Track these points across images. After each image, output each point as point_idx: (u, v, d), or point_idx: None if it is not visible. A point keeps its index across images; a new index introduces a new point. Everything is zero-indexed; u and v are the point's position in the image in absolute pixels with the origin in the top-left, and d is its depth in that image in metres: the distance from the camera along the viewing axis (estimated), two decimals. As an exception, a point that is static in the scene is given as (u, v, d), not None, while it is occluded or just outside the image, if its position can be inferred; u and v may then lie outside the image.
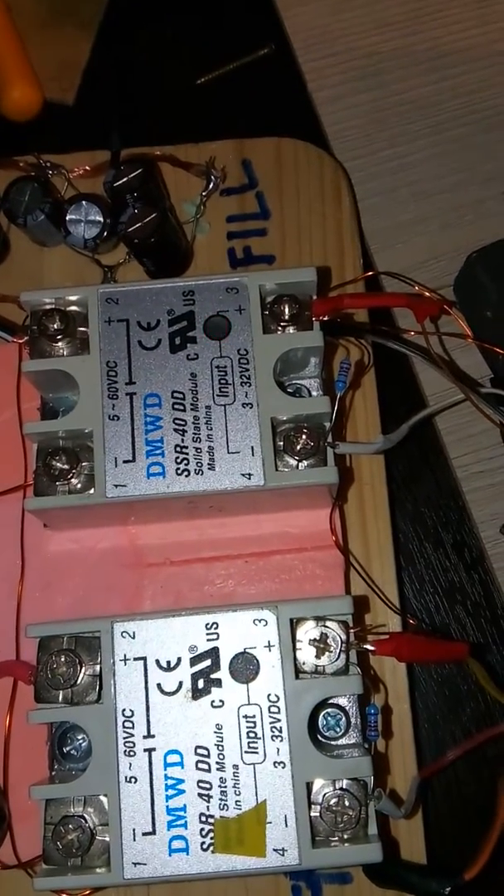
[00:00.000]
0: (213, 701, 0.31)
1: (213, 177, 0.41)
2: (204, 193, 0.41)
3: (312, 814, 0.30)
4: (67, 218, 0.39)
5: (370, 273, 0.40)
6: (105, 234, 0.39)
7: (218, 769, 0.31)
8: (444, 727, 0.39)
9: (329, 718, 0.33)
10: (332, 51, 0.46)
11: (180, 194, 0.42)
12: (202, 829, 0.30)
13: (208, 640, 0.32)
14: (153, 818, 0.30)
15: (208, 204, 0.41)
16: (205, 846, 0.30)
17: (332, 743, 0.33)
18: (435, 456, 0.41)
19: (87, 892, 0.34)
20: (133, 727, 0.31)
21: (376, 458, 0.39)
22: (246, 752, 0.31)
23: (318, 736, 0.33)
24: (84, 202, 0.39)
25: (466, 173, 0.44)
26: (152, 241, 0.38)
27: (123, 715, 0.31)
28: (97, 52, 0.47)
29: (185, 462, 0.33)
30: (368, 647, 0.32)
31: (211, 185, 0.41)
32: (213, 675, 0.31)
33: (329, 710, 0.33)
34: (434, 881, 0.32)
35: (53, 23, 0.47)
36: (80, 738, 0.33)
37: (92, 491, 0.33)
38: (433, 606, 0.40)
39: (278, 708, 0.31)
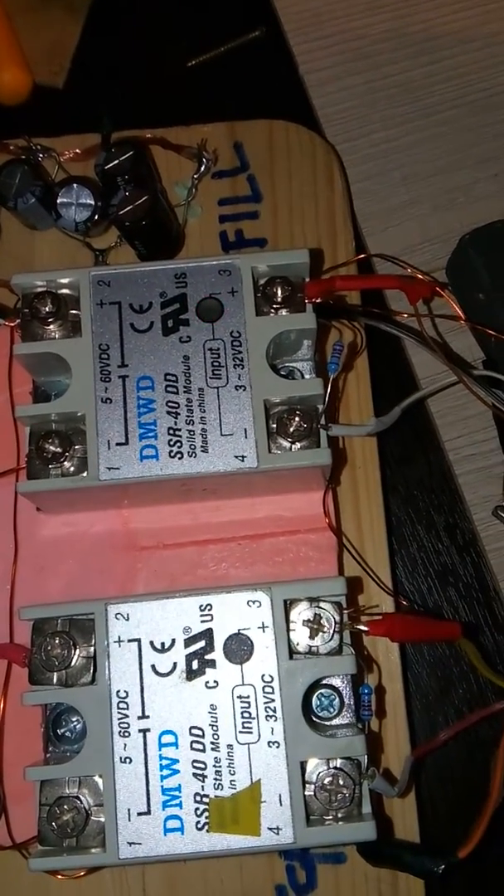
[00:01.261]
0: (207, 682, 0.31)
1: (204, 159, 0.40)
2: (196, 176, 0.41)
3: (307, 793, 0.31)
4: (58, 201, 0.39)
5: (363, 256, 0.40)
6: (96, 216, 0.39)
7: (212, 749, 0.31)
8: (437, 708, 0.39)
9: (323, 699, 0.33)
10: (323, 33, 0.46)
11: (172, 177, 0.42)
12: (197, 809, 0.30)
13: (202, 621, 0.32)
14: (148, 798, 0.30)
15: (200, 187, 0.41)
16: (200, 825, 0.30)
17: (326, 723, 0.33)
18: (428, 439, 0.41)
19: (83, 874, 0.34)
20: (127, 708, 0.31)
21: (369, 441, 0.39)
22: (240, 731, 0.31)
23: (312, 716, 0.33)
24: (75, 185, 0.39)
25: (458, 156, 0.44)
26: (143, 224, 0.37)
27: (118, 696, 0.31)
28: (87, 36, 0.46)
29: (179, 444, 0.33)
30: (362, 627, 0.32)
31: (203, 168, 0.41)
32: (208, 656, 0.31)
33: (322, 690, 0.33)
34: (428, 859, 0.32)
35: (43, 6, 0.47)
36: (74, 720, 0.33)
37: (85, 474, 0.33)
38: (426, 588, 0.40)
39: (272, 688, 0.31)
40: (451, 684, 0.39)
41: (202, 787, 0.30)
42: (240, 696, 0.31)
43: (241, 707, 0.31)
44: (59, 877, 0.33)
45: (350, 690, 0.33)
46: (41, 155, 0.41)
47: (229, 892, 0.36)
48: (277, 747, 0.31)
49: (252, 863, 0.36)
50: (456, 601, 0.40)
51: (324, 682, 0.33)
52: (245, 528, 0.36)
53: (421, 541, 0.41)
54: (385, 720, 0.36)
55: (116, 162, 0.38)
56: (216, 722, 0.31)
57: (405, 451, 0.42)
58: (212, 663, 0.31)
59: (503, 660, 0.39)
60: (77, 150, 0.41)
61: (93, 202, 0.39)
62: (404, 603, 0.37)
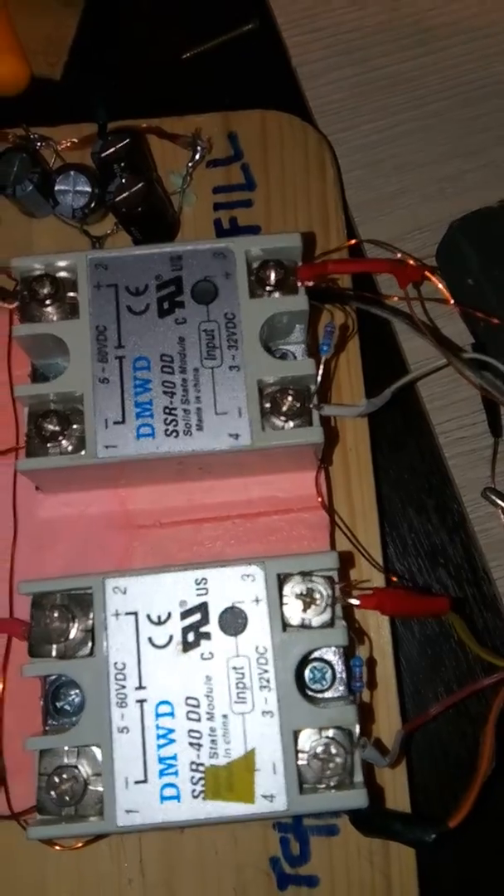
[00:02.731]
0: (202, 653, 0.32)
1: (199, 147, 0.41)
2: (190, 164, 0.41)
3: (300, 762, 0.31)
4: (56, 188, 0.39)
5: (354, 241, 0.41)
6: (93, 203, 0.39)
7: (208, 719, 0.31)
8: (428, 685, 0.40)
9: (316, 672, 0.34)
10: (316, 26, 0.47)
11: (167, 166, 0.42)
12: (193, 777, 0.31)
13: (198, 595, 0.33)
14: (145, 767, 0.31)
15: (195, 176, 0.42)
16: (195, 793, 0.31)
17: (319, 696, 0.34)
18: (418, 423, 0.42)
19: (80, 845, 0.35)
20: (125, 679, 0.32)
21: (361, 424, 0.40)
22: (235, 702, 0.32)
23: (306, 689, 0.34)
24: (72, 172, 0.39)
25: (449, 146, 0.45)
26: (139, 211, 0.38)
27: (115, 668, 0.32)
28: (84, 28, 0.47)
29: (174, 423, 0.34)
30: (353, 601, 0.33)
31: (197, 156, 0.41)
32: (203, 629, 0.32)
33: (315, 663, 0.34)
34: (419, 829, 0.33)
35: (40, 1, 0.47)
36: (73, 693, 0.34)
37: (83, 452, 0.34)
38: (416, 568, 0.41)
39: (266, 659, 0.32)
40: (441, 661, 0.40)
41: (198, 755, 0.31)
42: (234, 668, 0.32)
43: (236, 678, 0.32)
44: (57, 847, 0.34)
45: (342, 664, 0.34)
46: (39, 144, 0.42)
47: (224, 863, 0.36)
48: (271, 717, 0.31)
49: (246, 835, 0.36)
50: (446, 580, 0.41)
51: (317, 655, 0.34)
52: (239, 508, 0.37)
53: (412, 522, 0.42)
54: (376, 694, 0.37)
55: (113, 150, 0.39)
56: (211, 692, 0.32)
57: (397, 435, 0.42)
58: (207, 635, 0.32)
59: (492, 637, 0.40)
60: (74, 140, 0.42)
61: (90, 189, 0.39)
62: (394, 579, 0.37)
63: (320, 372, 0.34)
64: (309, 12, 0.47)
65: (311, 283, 0.35)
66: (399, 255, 0.38)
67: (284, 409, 0.34)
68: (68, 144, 0.42)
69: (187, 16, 0.48)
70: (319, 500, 0.36)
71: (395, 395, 0.38)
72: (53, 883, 0.36)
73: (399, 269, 0.36)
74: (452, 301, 0.38)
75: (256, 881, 0.36)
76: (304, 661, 0.33)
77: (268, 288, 0.35)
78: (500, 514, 0.40)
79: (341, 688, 0.34)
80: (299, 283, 0.35)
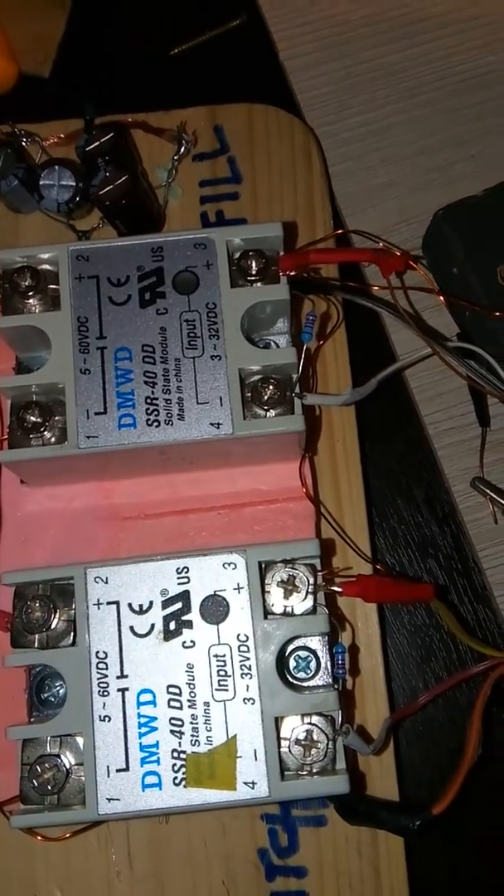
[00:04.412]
0: (184, 642, 0.32)
1: (184, 140, 0.41)
2: (176, 157, 0.42)
3: (282, 749, 0.31)
4: (41, 182, 0.40)
5: (339, 231, 0.41)
6: (78, 197, 0.40)
7: (189, 706, 0.31)
8: (418, 675, 0.40)
9: (299, 660, 0.34)
10: (303, 20, 0.47)
11: (154, 160, 0.43)
12: (174, 765, 0.31)
13: (179, 583, 0.33)
14: (127, 755, 0.31)
15: (181, 169, 0.42)
16: (177, 781, 0.31)
17: (303, 684, 0.33)
18: (407, 414, 0.42)
19: (68, 836, 0.35)
20: (107, 668, 0.32)
21: (348, 414, 0.40)
22: (216, 689, 0.32)
23: (290, 678, 0.33)
24: (57, 166, 0.40)
25: (436, 137, 0.45)
26: (123, 203, 0.38)
27: (97, 657, 0.32)
28: (72, 26, 0.47)
29: (156, 413, 0.34)
30: (335, 588, 0.33)
31: (182, 149, 0.41)
32: (185, 617, 0.32)
33: (299, 652, 0.34)
34: (404, 816, 0.33)
35: (29, 0, 0.48)
36: (57, 684, 0.34)
37: (65, 443, 0.34)
38: (406, 560, 0.41)
39: (247, 647, 0.32)
40: (432, 652, 0.40)
41: (179, 743, 0.31)
42: (216, 655, 0.32)
43: (218, 665, 0.32)
44: (39, 838, 0.34)
45: (326, 653, 0.33)
46: (25, 140, 0.42)
47: (213, 855, 0.36)
48: (252, 704, 0.31)
49: (235, 826, 0.36)
50: (436, 571, 0.41)
51: (301, 644, 0.34)
52: (225, 499, 0.37)
53: (401, 513, 0.41)
54: (364, 684, 0.37)
55: (97, 143, 0.39)
56: (193, 680, 0.32)
57: (386, 427, 0.42)
58: (189, 624, 0.32)
59: (482, 627, 0.40)
60: (61, 135, 0.42)
61: (74, 183, 0.40)
62: (379, 567, 0.37)
63: (302, 359, 0.34)
64: (296, 7, 0.47)
65: (292, 273, 0.35)
66: (381, 244, 0.38)
67: (266, 397, 0.34)
68: (55, 140, 0.42)
69: (176, 12, 0.48)
70: (304, 489, 0.36)
71: (383, 387, 0.38)
72: (42, 875, 0.36)
73: (382, 258, 0.36)
74: (437, 290, 0.38)
75: (245, 872, 0.36)
76: (288, 649, 0.33)
77: (250, 278, 0.35)
78: (489, 504, 0.40)
79: (325, 675, 0.33)
80: (281, 273, 0.35)
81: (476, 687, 0.38)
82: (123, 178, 0.38)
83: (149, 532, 0.37)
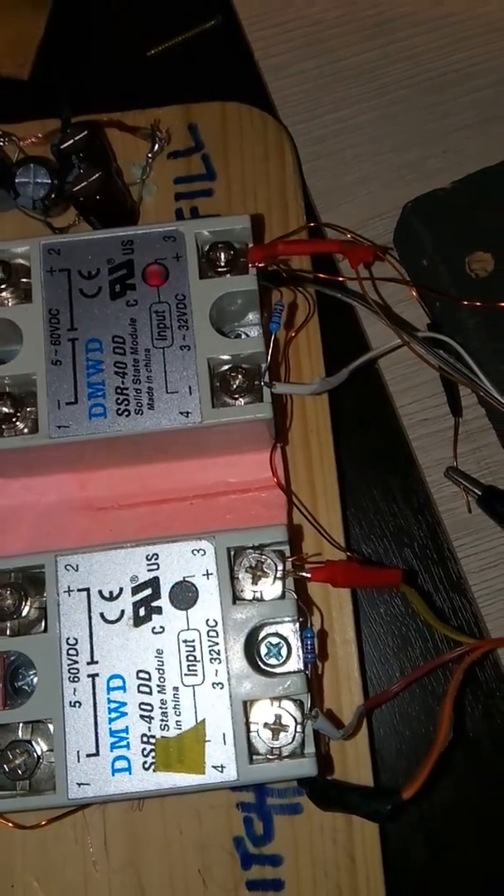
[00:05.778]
0: (153, 627, 0.32)
1: (157, 138, 0.42)
2: (150, 154, 0.42)
3: (251, 733, 0.32)
4: (16, 180, 0.40)
5: (311, 224, 0.41)
6: (53, 194, 0.40)
7: (159, 692, 0.32)
8: (394, 665, 0.40)
9: (271, 647, 0.34)
10: (277, 20, 0.47)
11: (129, 157, 0.43)
12: (144, 749, 0.31)
13: (149, 570, 0.33)
14: (97, 740, 0.31)
15: (156, 166, 0.43)
16: (146, 765, 0.31)
17: (274, 671, 0.34)
18: (382, 406, 0.43)
19: (44, 823, 0.35)
20: (77, 654, 0.32)
21: (322, 405, 0.40)
22: (185, 674, 0.32)
23: (261, 664, 0.34)
24: (32, 164, 0.40)
25: (408, 134, 0.45)
26: (97, 199, 0.39)
27: (68, 643, 0.32)
28: (51, 29, 0.48)
29: (126, 403, 0.34)
30: (304, 574, 0.33)
31: (156, 147, 0.42)
32: (154, 603, 0.33)
33: (271, 638, 0.34)
34: (374, 801, 0.33)
35: (9, 3, 0.49)
36: (31, 673, 0.34)
37: (37, 433, 0.34)
38: (382, 550, 0.41)
39: (216, 632, 0.32)
40: (408, 642, 0.40)
41: (149, 728, 0.31)
42: (185, 641, 0.32)
43: (187, 651, 0.32)
44: (11, 825, 0.34)
45: (297, 638, 0.34)
46: (3, 140, 0.43)
47: (188, 844, 0.36)
48: (221, 688, 0.32)
49: (210, 815, 0.37)
50: (411, 561, 0.41)
51: (272, 631, 0.34)
52: (197, 489, 0.37)
53: (377, 503, 0.42)
54: (338, 671, 0.37)
55: (71, 141, 0.40)
56: (162, 665, 0.32)
57: (361, 418, 0.43)
58: (158, 610, 0.32)
59: (457, 616, 0.40)
60: (38, 135, 0.43)
61: (49, 181, 0.40)
62: (350, 555, 0.38)
63: (269, 349, 0.34)
64: (271, 7, 0.48)
65: (261, 264, 0.36)
66: (348, 236, 0.38)
67: (235, 386, 0.34)
68: (32, 140, 0.43)
69: (152, 14, 0.49)
70: (275, 479, 0.36)
71: (358, 378, 0.38)
72: (20, 865, 0.36)
73: (349, 249, 0.37)
74: (407, 280, 0.38)
75: (221, 861, 0.36)
76: (258, 635, 0.33)
77: (219, 269, 0.36)
78: (463, 494, 0.40)
79: (297, 662, 0.34)
80: (250, 265, 0.35)
81: (450, 674, 0.38)
82: (97, 175, 0.39)
83: (122, 522, 0.37)
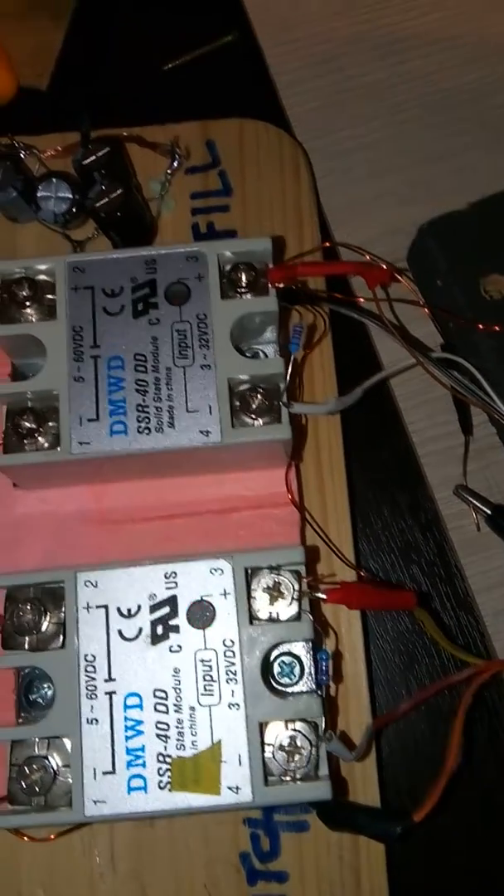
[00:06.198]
0: (171, 646, 0.33)
1: (177, 155, 0.42)
2: (169, 171, 0.42)
3: (266, 754, 0.32)
4: (38, 194, 0.40)
5: (326, 244, 0.41)
6: (74, 209, 0.40)
7: (175, 711, 0.32)
8: (401, 683, 0.40)
9: (284, 666, 0.34)
10: (293, 37, 0.48)
11: (148, 173, 0.43)
12: (160, 769, 0.32)
13: (167, 588, 0.33)
14: (113, 758, 0.32)
15: (174, 182, 0.43)
16: (162, 784, 0.31)
17: (287, 690, 0.34)
18: (392, 422, 0.43)
19: (53, 837, 0.36)
20: (95, 671, 0.32)
21: (334, 422, 0.40)
22: (202, 694, 0.32)
23: (274, 683, 0.34)
24: (54, 179, 0.40)
25: (422, 152, 0.46)
26: (118, 215, 0.39)
27: (86, 660, 0.32)
28: (70, 41, 0.48)
29: (147, 420, 0.34)
30: (320, 594, 0.33)
31: (175, 163, 0.42)
32: (172, 622, 0.33)
33: (284, 658, 0.34)
34: (385, 822, 0.33)
35: (29, 14, 0.49)
36: (45, 686, 0.35)
37: (58, 449, 0.34)
38: (389, 565, 0.42)
39: (233, 652, 0.32)
40: (415, 659, 0.41)
41: (165, 747, 0.32)
42: (202, 660, 0.32)
43: (203, 670, 0.32)
44: (26, 838, 0.34)
45: (310, 659, 0.34)
46: (24, 152, 0.43)
47: (195, 858, 0.37)
48: (237, 709, 0.32)
49: (217, 830, 0.37)
50: (419, 577, 0.41)
51: (286, 650, 0.34)
52: (211, 504, 0.38)
53: (386, 519, 0.42)
54: (347, 690, 0.37)
55: (93, 157, 0.40)
56: (179, 685, 0.32)
57: (371, 434, 0.43)
58: (175, 628, 0.33)
59: (464, 634, 0.41)
60: (58, 148, 0.43)
61: (71, 195, 0.40)
62: (363, 574, 0.38)
63: (289, 370, 0.34)
64: (287, 24, 0.48)
65: (281, 285, 0.36)
66: (367, 257, 0.38)
67: (254, 406, 0.34)
68: (52, 153, 0.43)
69: (169, 29, 0.49)
70: (289, 496, 0.36)
71: (369, 396, 0.39)
72: (26, 875, 0.36)
73: (367, 270, 0.37)
74: (422, 302, 0.38)
75: (227, 876, 0.36)
76: (273, 654, 0.33)
77: (239, 290, 0.36)
78: (471, 512, 0.41)
79: (310, 681, 0.34)
80: (270, 285, 0.36)
81: (458, 694, 0.38)
82: (118, 192, 0.39)
83: (137, 536, 0.37)
